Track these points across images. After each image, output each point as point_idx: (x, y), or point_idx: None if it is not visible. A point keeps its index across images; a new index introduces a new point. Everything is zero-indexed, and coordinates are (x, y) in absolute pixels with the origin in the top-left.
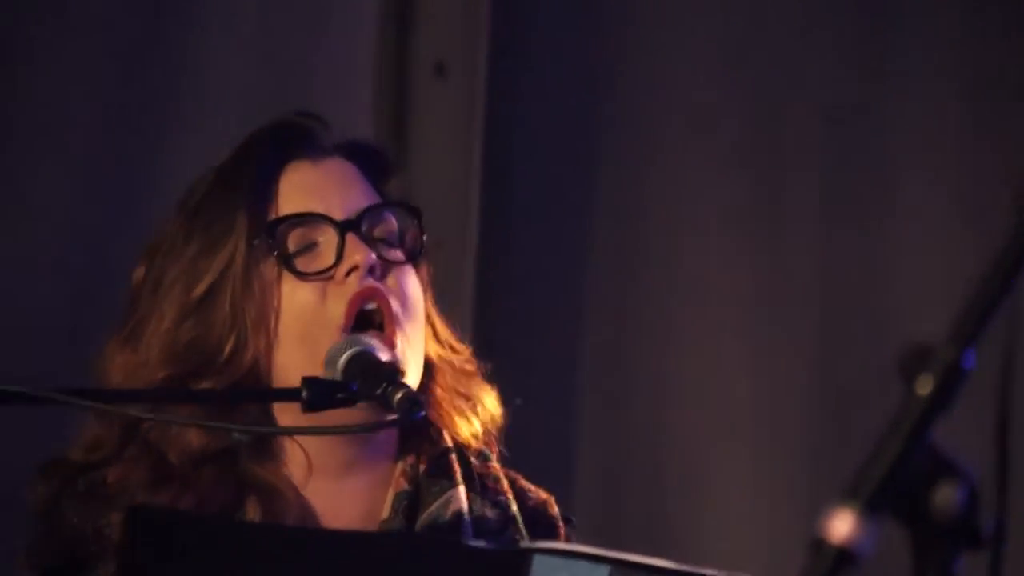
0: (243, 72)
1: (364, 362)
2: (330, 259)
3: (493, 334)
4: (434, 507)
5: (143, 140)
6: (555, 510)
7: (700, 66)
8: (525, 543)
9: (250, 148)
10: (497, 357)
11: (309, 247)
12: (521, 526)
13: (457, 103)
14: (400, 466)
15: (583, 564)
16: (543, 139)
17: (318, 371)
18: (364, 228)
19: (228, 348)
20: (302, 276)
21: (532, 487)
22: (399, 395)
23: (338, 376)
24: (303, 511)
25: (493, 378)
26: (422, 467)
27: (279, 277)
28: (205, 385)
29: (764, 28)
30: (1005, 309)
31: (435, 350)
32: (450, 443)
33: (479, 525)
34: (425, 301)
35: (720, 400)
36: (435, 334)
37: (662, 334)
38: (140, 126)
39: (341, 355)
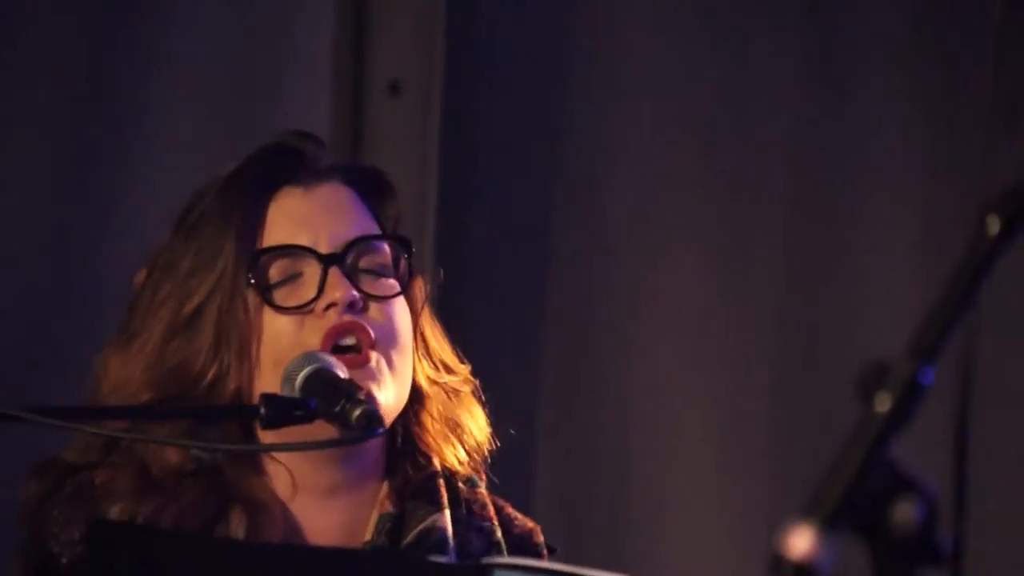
0: (200, 89)
1: (322, 379)
2: (311, 292)
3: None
4: (418, 530)
5: (102, 167)
6: (540, 539)
7: (659, 79)
8: (487, 559)
9: (246, 171)
10: None
11: (292, 278)
12: (505, 553)
13: (412, 122)
14: (385, 488)
15: None
16: (499, 158)
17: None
18: (349, 261)
19: (210, 375)
20: (279, 310)
21: (519, 515)
22: (357, 412)
23: (296, 393)
24: (288, 527)
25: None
26: (408, 490)
27: (261, 305)
28: (175, 420)
29: (719, 47)
30: (964, 324)
31: (427, 374)
32: (438, 467)
33: (463, 550)
34: (419, 324)
35: (680, 423)
36: (428, 354)
37: (622, 357)
38: (101, 153)
39: (299, 372)
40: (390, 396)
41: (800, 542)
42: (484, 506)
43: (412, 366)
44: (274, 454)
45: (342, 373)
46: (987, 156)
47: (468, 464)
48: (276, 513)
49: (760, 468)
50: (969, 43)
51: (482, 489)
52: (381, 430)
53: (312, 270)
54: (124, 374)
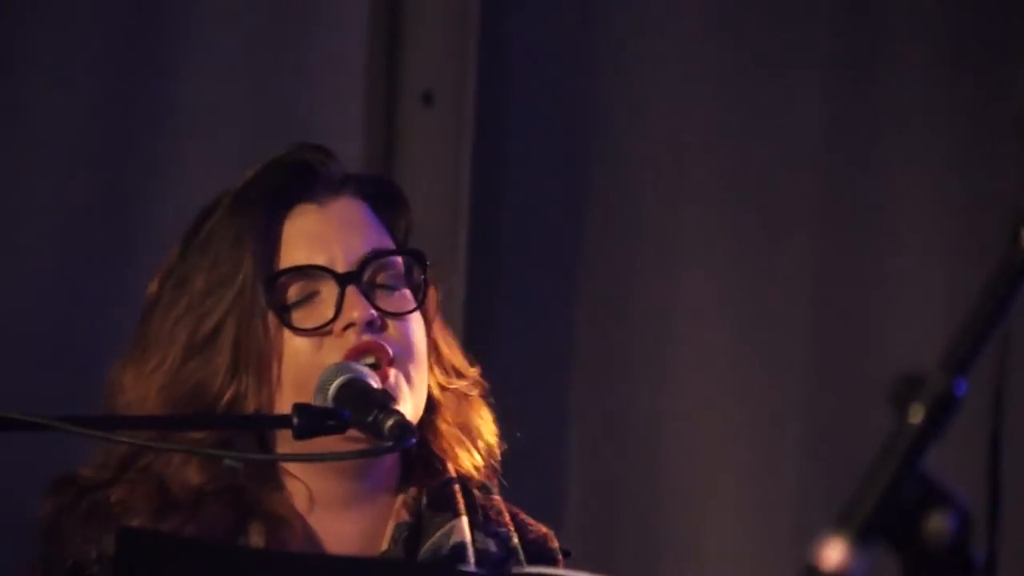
0: (233, 99)
1: (355, 389)
2: (329, 312)
3: (483, 361)
4: (435, 537)
5: (127, 174)
6: (555, 544)
7: (688, 88)
8: (516, 569)
9: (258, 188)
10: (487, 382)
11: (310, 297)
12: (522, 558)
13: (445, 132)
14: (401, 498)
15: None
16: (532, 168)
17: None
18: (366, 278)
19: (228, 397)
20: (298, 331)
21: (532, 521)
22: (390, 422)
23: (329, 403)
24: (307, 540)
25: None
26: (424, 499)
27: (280, 326)
28: (203, 430)
29: (753, 57)
30: (997, 337)
31: (439, 380)
32: (453, 475)
33: (481, 557)
34: (431, 332)
35: (712, 427)
36: (440, 361)
37: (654, 362)
38: (126, 161)
39: (332, 382)
40: (408, 410)
41: (833, 553)
42: (500, 512)
43: (428, 374)
44: (291, 468)
45: (375, 383)
46: (1021, 169)
47: (482, 470)
48: (295, 527)
49: (789, 469)
50: (1005, 56)
51: (496, 496)
52: (414, 440)
53: (329, 289)
54: (139, 392)
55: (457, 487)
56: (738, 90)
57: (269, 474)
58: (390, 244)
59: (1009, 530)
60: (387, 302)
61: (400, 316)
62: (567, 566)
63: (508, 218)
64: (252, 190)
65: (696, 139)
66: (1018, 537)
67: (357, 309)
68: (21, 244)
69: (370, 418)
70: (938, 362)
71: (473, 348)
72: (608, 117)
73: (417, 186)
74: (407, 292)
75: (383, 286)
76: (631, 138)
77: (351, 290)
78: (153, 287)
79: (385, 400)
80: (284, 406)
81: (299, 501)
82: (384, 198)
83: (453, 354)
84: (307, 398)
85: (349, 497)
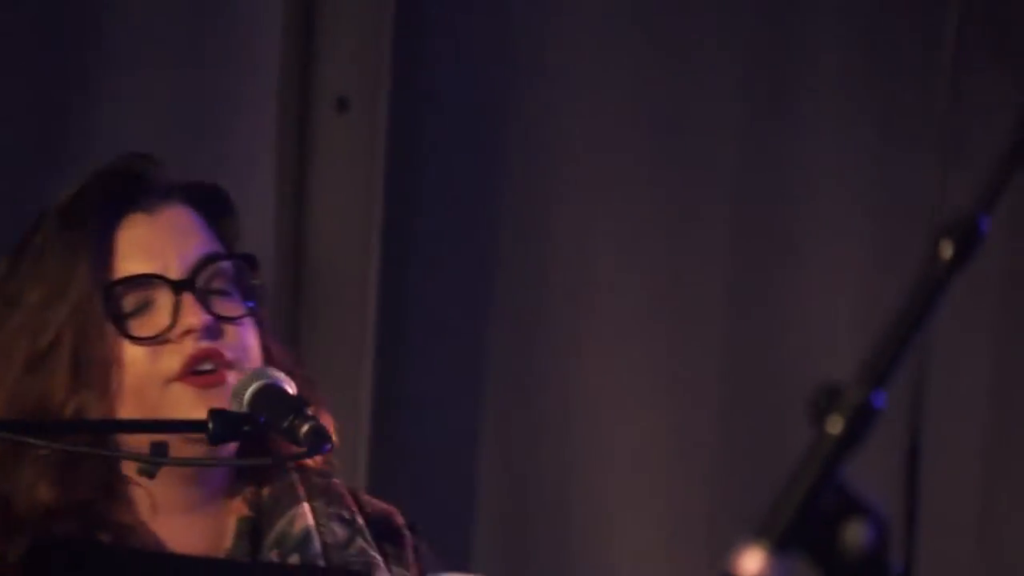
0: (141, 95)
1: (271, 394)
2: (166, 320)
3: (393, 376)
4: (280, 525)
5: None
6: (400, 520)
7: (605, 85)
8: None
9: (87, 200)
10: (399, 396)
11: (146, 306)
12: (368, 537)
13: (359, 138)
14: (240, 496)
15: None
16: (446, 174)
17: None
18: (200, 284)
19: (70, 409)
20: (136, 340)
21: (374, 500)
22: (305, 427)
23: (244, 408)
24: (155, 547)
25: (396, 413)
26: (265, 492)
27: (117, 335)
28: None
29: (666, 53)
30: (916, 348)
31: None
32: (291, 465)
33: (326, 539)
34: (264, 334)
35: (625, 435)
36: (272, 361)
37: (567, 370)
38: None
39: (248, 387)
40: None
41: (750, 562)
42: (341, 495)
43: None
44: (133, 476)
45: (291, 389)
46: (940, 179)
47: (319, 460)
48: (141, 534)
49: (703, 475)
50: (926, 62)
51: (336, 479)
52: (329, 447)
53: (165, 297)
54: None
55: (296, 476)
56: (654, 86)
57: (113, 484)
58: (220, 249)
59: (925, 541)
60: (222, 307)
61: (236, 320)
62: (417, 540)
63: (423, 224)
64: (81, 202)
65: (613, 129)
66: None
67: (194, 316)
68: None
69: (285, 423)
70: (856, 373)
71: (385, 355)
72: (524, 122)
73: (330, 192)
74: (239, 299)
75: (217, 291)
76: (548, 135)
77: (186, 297)
78: None
79: (300, 405)
80: (124, 414)
81: (143, 509)
82: (211, 203)
83: (284, 355)
84: (147, 408)
85: (191, 501)
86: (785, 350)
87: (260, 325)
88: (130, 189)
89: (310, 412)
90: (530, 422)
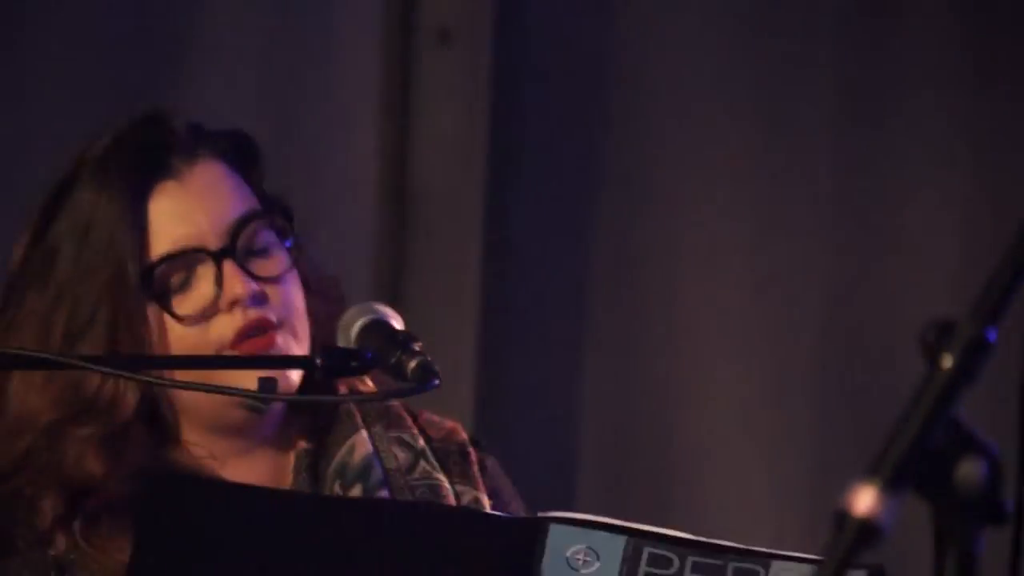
0: (249, 39)
1: (378, 330)
2: (210, 292)
3: (497, 315)
4: (340, 454)
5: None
6: (464, 436)
7: (709, 36)
8: (543, 514)
9: (117, 170)
10: (502, 342)
11: (188, 279)
12: (432, 459)
13: (462, 71)
14: (297, 430)
15: (601, 534)
16: (550, 108)
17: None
18: (240, 248)
19: (107, 392)
20: (181, 319)
21: (436, 418)
22: (413, 363)
23: (351, 344)
24: None
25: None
26: (322, 423)
27: (161, 314)
28: (89, 430)
29: (767, 27)
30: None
31: (314, 307)
32: (346, 390)
33: (388, 464)
34: (306, 281)
35: (725, 394)
36: (309, 289)
37: (666, 327)
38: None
39: (355, 322)
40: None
41: (864, 499)
42: (401, 417)
43: (308, 327)
44: (188, 434)
45: (397, 324)
46: None
47: (368, 384)
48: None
49: (803, 437)
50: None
51: (393, 402)
52: (437, 382)
53: (206, 268)
54: (23, 387)
55: (352, 405)
56: (761, 46)
57: (168, 445)
58: (255, 203)
59: None
60: (263, 267)
61: (279, 279)
62: (482, 455)
63: (527, 158)
64: (110, 171)
65: (718, 84)
66: None
67: (239, 285)
68: None
69: (393, 359)
70: (969, 310)
71: (490, 295)
72: (623, 61)
73: (434, 125)
74: (281, 255)
75: (258, 252)
76: (650, 80)
77: (228, 265)
78: (17, 257)
79: (407, 341)
80: (173, 400)
81: (204, 463)
82: (238, 152)
83: (322, 285)
84: (200, 376)
85: (247, 447)
86: (884, 300)
87: (303, 273)
88: (156, 157)
89: (417, 348)
90: (630, 388)
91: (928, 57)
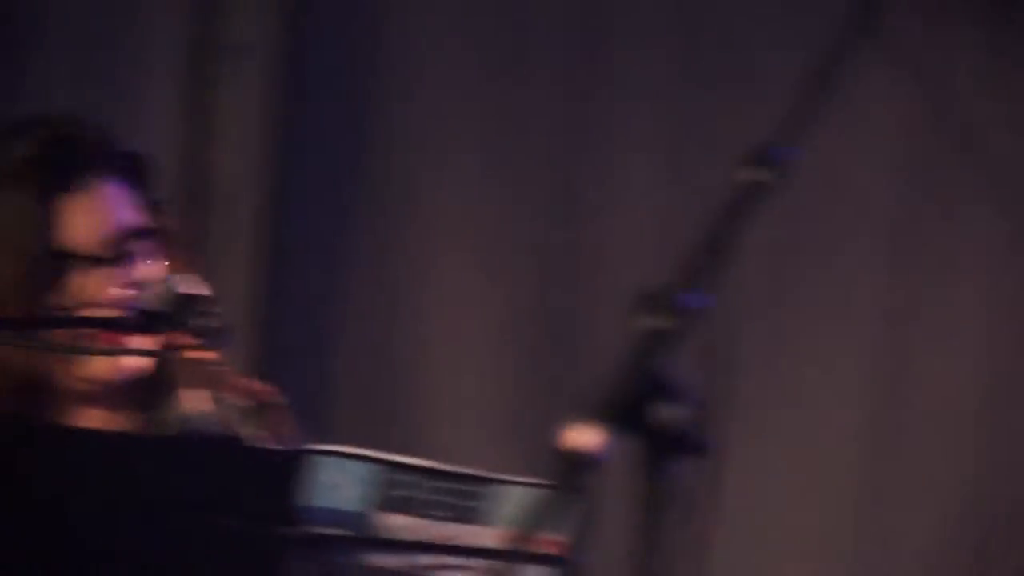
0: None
1: (179, 295)
2: (94, 291)
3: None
4: (156, 411)
5: None
6: (264, 391)
7: (458, 39)
8: (304, 446)
9: (25, 172)
10: (284, 307)
11: (78, 276)
12: (236, 412)
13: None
14: (137, 391)
15: (356, 464)
16: (327, 115)
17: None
18: (129, 256)
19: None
20: (69, 309)
21: (245, 378)
22: (204, 323)
23: (161, 307)
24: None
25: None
26: (151, 385)
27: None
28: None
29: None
30: (723, 261)
31: None
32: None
33: (202, 420)
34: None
35: (455, 331)
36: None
37: (413, 269)
38: None
39: (164, 291)
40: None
41: (580, 436)
42: (216, 376)
43: None
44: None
45: (202, 291)
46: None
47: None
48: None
49: (529, 373)
50: None
51: (204, 359)
52: (229, 340)
53: (96, 271)
54: None
55: (166, 363)
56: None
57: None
58: (147, 219)
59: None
60: (145, 271)
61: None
62: (278, 409)
63: (309, 159)
64: (19, 176)
65: (466, 70)
66: None
67: (118, 287)
68: None
69: (194, 321)
70: (673, 279)
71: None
72: (394, 74)
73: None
74: (159, 254)
75: (145, 260)
76: (407, 90)
77: (114, 272)
78: None
79: (206, 304)
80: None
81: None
82: (135, 172)
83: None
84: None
85: (102, 396)
86: (596, 258)
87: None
88: (69, 169)
89: (215, 311)
90: (382, 329)
91: None
